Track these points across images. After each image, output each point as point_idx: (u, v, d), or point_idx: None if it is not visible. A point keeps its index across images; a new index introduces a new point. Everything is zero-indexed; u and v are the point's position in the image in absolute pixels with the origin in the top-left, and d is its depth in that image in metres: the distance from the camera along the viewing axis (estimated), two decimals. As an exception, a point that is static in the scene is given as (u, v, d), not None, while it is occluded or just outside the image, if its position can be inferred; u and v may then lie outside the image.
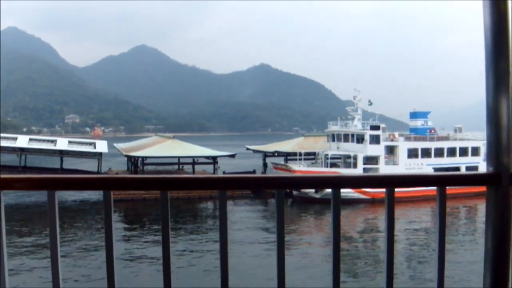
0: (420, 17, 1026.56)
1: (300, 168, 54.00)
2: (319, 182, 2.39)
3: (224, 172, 62.90)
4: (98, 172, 57.72)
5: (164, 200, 2.19)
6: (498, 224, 2.18)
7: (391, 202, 2.28)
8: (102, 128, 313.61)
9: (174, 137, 66.58)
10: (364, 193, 47.76)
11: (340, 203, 2.24)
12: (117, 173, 63.13)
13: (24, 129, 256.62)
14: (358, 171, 53.60)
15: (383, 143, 55.80)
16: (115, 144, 71.58)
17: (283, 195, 2.26)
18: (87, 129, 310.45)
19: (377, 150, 55.30)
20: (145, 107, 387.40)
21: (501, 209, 2.18)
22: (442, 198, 2.29)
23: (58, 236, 2.18)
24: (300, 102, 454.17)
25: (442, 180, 2.33)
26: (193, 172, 62.30)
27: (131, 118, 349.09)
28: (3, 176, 2.10)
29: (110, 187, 2.17)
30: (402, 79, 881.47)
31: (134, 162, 63.89)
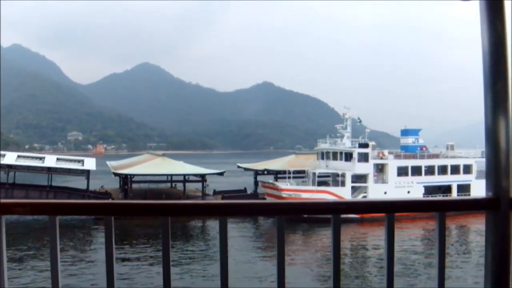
0: (426, 31, 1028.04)
1: (287, 186, 53.44)
2: (321, 208, 2.41)
3: (214, 190, 62.46)
4: (86, 189, 57.29)
5: (165, 226, 2.16)
6: (497, 248, 2.17)
7: (391, 228, 2.27)
8: (105, 145, 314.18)
9: (164, 155, 66.27)
10: None
11: (340, 228, 2.23)
12: (106, 191, 62.82)
13: (26, 146, 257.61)
14: (346, 189, 53.00)
15: (372, 161, 55.17)
16: (107, 162, 71.13)
17: (283, 221, 2.24)
18: (90, 146, 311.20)
19: (366, 168, 54.67)
20: (148, 124, 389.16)
21: (500, 234, 2.17)
22: (442, 223, 2.29)
23: (59, 259, 2.19)
24: (303, 120, 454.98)
25: (442, 206, 2.34)
26: (184, 190, 61.68)
27: (134, 136, 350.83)
28: (3, 200, 2.11)
29: (112, 212, 2.16)
30: (408, 96, 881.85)
31: (123, 180, 63.49)
